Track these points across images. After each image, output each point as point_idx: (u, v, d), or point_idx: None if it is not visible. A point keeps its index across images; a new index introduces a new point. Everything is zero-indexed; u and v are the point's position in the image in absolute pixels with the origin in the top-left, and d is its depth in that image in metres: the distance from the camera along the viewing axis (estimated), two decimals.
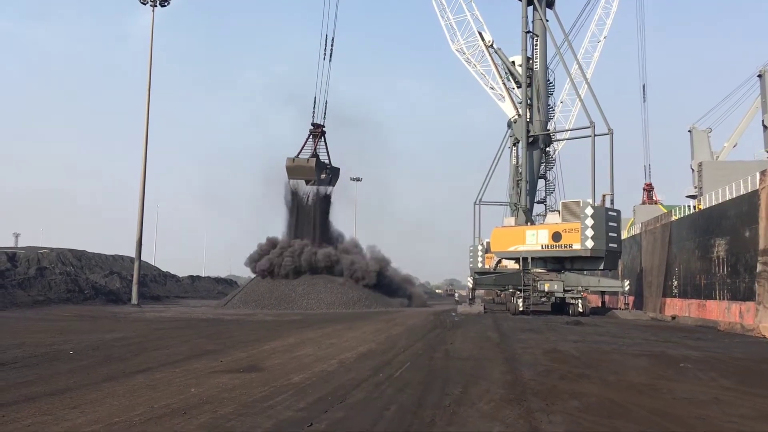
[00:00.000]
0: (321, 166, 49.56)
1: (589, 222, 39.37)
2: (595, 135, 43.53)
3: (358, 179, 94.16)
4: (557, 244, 41.08)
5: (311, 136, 49.64)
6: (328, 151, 49.60)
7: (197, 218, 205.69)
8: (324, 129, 49.42)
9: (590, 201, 41.05)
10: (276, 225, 65.69)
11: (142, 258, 52.33)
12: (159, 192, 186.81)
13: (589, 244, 39.28)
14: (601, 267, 41.12)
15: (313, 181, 50.56)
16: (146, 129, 49.13)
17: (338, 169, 50.96)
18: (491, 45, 50.46)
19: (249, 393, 10.51)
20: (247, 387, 11.12)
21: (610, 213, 41.00)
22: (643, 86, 47.91)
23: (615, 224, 41.09)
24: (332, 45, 50.00)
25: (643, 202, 70.43)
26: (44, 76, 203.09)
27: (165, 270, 78.87)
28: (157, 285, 68.70)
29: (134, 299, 48.10)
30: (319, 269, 54.90)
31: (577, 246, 39.90)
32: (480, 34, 50.05)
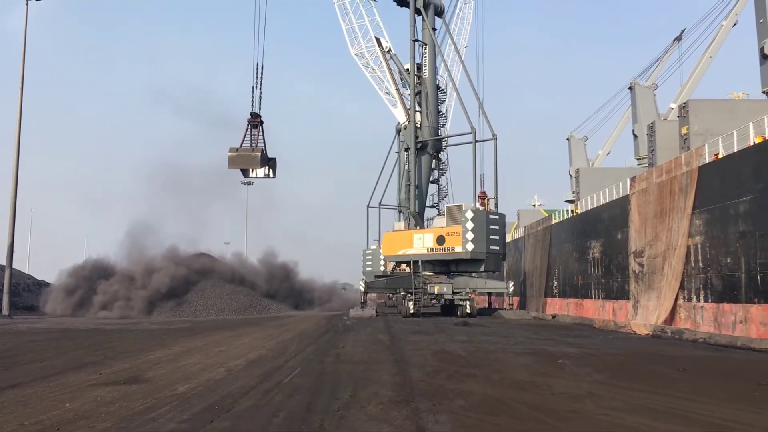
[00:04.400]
0: (265, 159, 48.41)
1: (470, 225, 40.74)
2: (476, 141, 45.15)
3: (249, 183, 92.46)
4: (441, 247, 42.33)
5: (250, 126, 48.45)
6: (265, 142, 48.48)
7: (76, 223, 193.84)
8: (262, 119, 48.36)
9: (472, 205, 42.51)
10: (162, 227, 63.37)
11: (14, 266, 48.88)
12: (33, 195, 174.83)
13: (470, 246, 40.63)
14: (482, 269, 42.52)
15: (252, 173, 49.27)
16: (18, 128, 46.06)
17: (275, 159, 49.90)
18: (389, 51, 51.11)
19: (130, 406, 10.05)
20: (128, 399, 10.63)
21: (491, 216, 42.47)
22: (481, 101, 49.42)
23: (497, 227, 42.56)
24: (262, 71, 48.82)
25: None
26: None
27: (40, 278, 73.98)
28: (32, 294, 64.12)
29: (5, 310, 44.79)
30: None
31: (458, 249, 41.22)
32: (378, 39, 50.52)
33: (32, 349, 20.66)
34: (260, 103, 47.92)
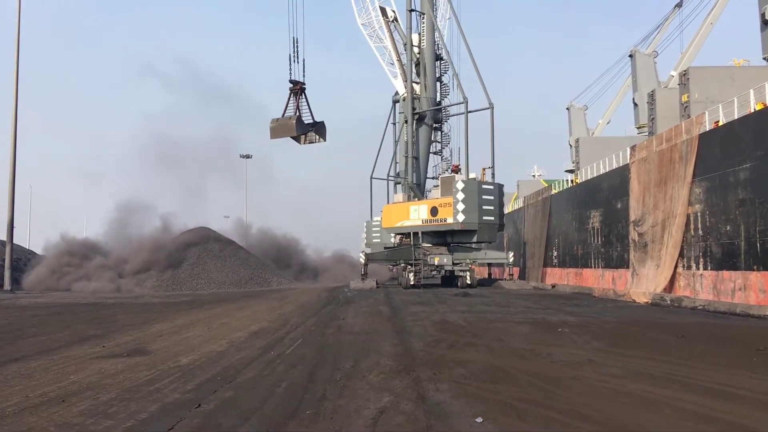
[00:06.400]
0: (303, 125, 48.22)
1: (460, 196, 40.67)
2: (468, 111, 44.97)
3: (248, 156, 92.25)
4: (435, 218, 42.39)
5: (292, 94, 48.24)
6: (309, 107, 48.20)
7: (75, 198, 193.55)
8: (304, 85, 48.05)
9: (463, 176, 42.47)
10: (160, 201, 63.02)
11: (15, 242, 48.96)
12: (32, 171, 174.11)
13: (461, 217, 40.63)
14: (475, 239, 42.46)
15: (302, 140, 49.22)
16: (15, 104, 45.79)
17: (323, 123, 49.61)
18: (394, 20, 50.54)
19: (133, 377, 10.15)
20: (131, 371, 10.73)
21: (484, 186, 42.16)
22: (457, 75, 48.84)
23: (491, 197, 42.25)
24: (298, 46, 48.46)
25: None
26: None
27: (41, 254, 74.22)
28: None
29: (6, 285, 45.04)
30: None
31: (450, 220, 41.23)
32: (383, 9, 49.90)
33: (35, 323, 20.79)
34: (304, 70, 47.56)
